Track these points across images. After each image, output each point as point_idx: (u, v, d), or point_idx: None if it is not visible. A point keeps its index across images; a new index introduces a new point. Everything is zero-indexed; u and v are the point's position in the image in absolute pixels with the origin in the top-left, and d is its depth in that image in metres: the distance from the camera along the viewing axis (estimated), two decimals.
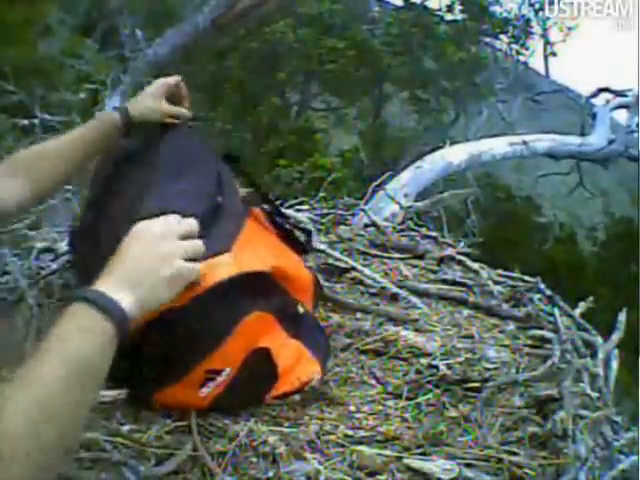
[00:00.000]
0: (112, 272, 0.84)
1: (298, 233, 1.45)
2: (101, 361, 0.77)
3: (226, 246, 1.07)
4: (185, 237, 0.92)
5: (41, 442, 0.68)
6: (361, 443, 1.07)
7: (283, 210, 1.54)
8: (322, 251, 1.74)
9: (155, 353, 1.02)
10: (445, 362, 1.30)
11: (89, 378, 0.75)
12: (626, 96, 6.54)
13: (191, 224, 0.95)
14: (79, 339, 0.75)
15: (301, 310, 1.22)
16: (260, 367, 1.11)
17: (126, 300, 0.81)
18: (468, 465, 1.04)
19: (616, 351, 1.50)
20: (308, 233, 1.51)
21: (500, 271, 1.89)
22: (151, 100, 1.23)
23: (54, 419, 0.70)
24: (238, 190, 1.26)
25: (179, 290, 0.90)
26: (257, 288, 1.10)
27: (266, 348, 1.11)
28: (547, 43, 9.28)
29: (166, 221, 0.92)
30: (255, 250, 1.15)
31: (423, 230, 2.33)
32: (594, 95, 6.88)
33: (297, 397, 1.16)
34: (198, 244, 0.94)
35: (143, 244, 0.88)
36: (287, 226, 1.38)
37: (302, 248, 1.39)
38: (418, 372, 1.28)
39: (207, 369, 1.05)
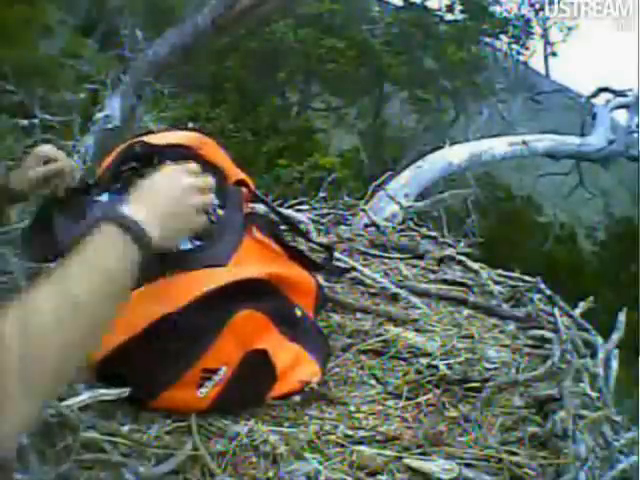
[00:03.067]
0: (143, 205, 0.91)
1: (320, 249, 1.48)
2: (125, 279, 0.84)
3: (223, 261, 1.10)
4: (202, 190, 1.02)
5: (64, 339, 0.74)
6: (361, 443, 1.07)
7: (298, 226, 1.56)
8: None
9: (151, 358, 1.02)
10: (445, 362, 1.30)
11: (113, 293, 0.82)
12: (626, 96, 6.54)
13: (209, 180, 1.03)
14: (109, 256, 0.83)
15: (299, 313, 1.23)
16: (258, 368, 1.11)
17: (154, 234, 0.89)
18: (468, 465, 1.04)
19: (616, 351, 1.50)
20: (329, 250, 1.54)
21: (500, 271, 1.89)
22: (22, 173, 1.26)
23: (78, 319, 0.76)
24: (242, 209, 1.26)
25: (186, 234, 1.02)
26: (250, 291, 1.11)
27: (263, 349, 1.12)
28: (547, 43, 9.29)
29: (191, 174, 1.01)
30: (251, 263, 1.17)
31: (423, 230, 2.33)
32: (594, 95, 6.88)
33: (297, 398, 1.16)
34: (210, 198, 1.02)
35: (172, 189, 0.97)
36: (302, 246, 1.39)
37: (316, 266, 1.40)
38: (418, 372, 1.28)
39: (202, 368, 1.05)
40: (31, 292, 0.75)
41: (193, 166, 1.02)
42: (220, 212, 1.20)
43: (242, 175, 1.31)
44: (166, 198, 0.95)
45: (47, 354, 0.72)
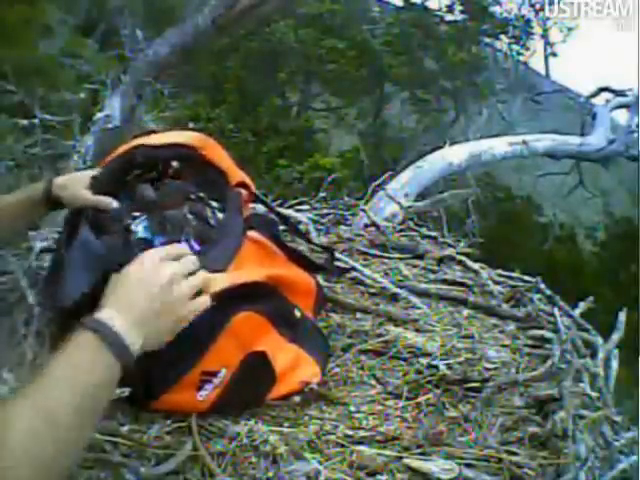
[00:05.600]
0: (124, 309, 0.87)
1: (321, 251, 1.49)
2: (106, 394, 0.83)
3: (223, 266, 1.10)
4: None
5: (44, 462, 0.72)
6: (361, 443, 1.07)
7: (299, 227, 1.56)
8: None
9: (150, 361, 1.02)
10: (445, 362, 1.30)
11: (94, 408, 0.80)
12: (626, 96, 6.55)
13: (192, 261, 0.98)
14: (89, 372, 0.80)
15: (298, 314, 1.22)
16: (257, 370, 1.11)
17: (137, 344, 0.87)
18: (468, 465, 1.04)
19: (616, 351, 1.50)
20: (331, 252, 1.54)
21: (500, 271, 1.89)
22: (75, 188, 1.21)
23: (59, 442, 0.74)
24: (243, 213, 1.26)
25: (178, 331, 0.95)
26: (249, 293, 1.11)
27: (262, 351, 1.11)
28: (547, 43, 9.29)
29: (169, 259, 0.95)
30: (251, 266, 1.17)
31: (423, 230, 2.33)
32: (594, 95, 6.89)
33: (297, 398, 1.16)
34: (198, 280, 0.97)
35: (149, 285, 0.91)
36: (300, 248, 1.39)
37: (316, 267, 1.40)
38: (418, 372, 1.28)
39: (202, 371, 1.05)
40: (7, 406, 0.73)
41: (172, 249, 0.97)
42: (220, 216, 1.20)
43: (243, 177, 1.31)
44: (145, 298, 0.89)
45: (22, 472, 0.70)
